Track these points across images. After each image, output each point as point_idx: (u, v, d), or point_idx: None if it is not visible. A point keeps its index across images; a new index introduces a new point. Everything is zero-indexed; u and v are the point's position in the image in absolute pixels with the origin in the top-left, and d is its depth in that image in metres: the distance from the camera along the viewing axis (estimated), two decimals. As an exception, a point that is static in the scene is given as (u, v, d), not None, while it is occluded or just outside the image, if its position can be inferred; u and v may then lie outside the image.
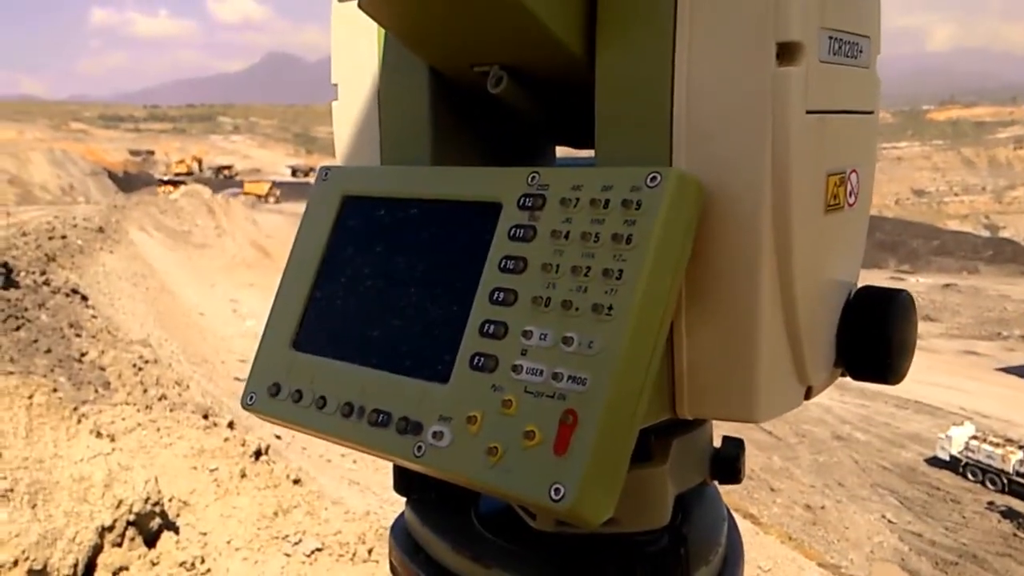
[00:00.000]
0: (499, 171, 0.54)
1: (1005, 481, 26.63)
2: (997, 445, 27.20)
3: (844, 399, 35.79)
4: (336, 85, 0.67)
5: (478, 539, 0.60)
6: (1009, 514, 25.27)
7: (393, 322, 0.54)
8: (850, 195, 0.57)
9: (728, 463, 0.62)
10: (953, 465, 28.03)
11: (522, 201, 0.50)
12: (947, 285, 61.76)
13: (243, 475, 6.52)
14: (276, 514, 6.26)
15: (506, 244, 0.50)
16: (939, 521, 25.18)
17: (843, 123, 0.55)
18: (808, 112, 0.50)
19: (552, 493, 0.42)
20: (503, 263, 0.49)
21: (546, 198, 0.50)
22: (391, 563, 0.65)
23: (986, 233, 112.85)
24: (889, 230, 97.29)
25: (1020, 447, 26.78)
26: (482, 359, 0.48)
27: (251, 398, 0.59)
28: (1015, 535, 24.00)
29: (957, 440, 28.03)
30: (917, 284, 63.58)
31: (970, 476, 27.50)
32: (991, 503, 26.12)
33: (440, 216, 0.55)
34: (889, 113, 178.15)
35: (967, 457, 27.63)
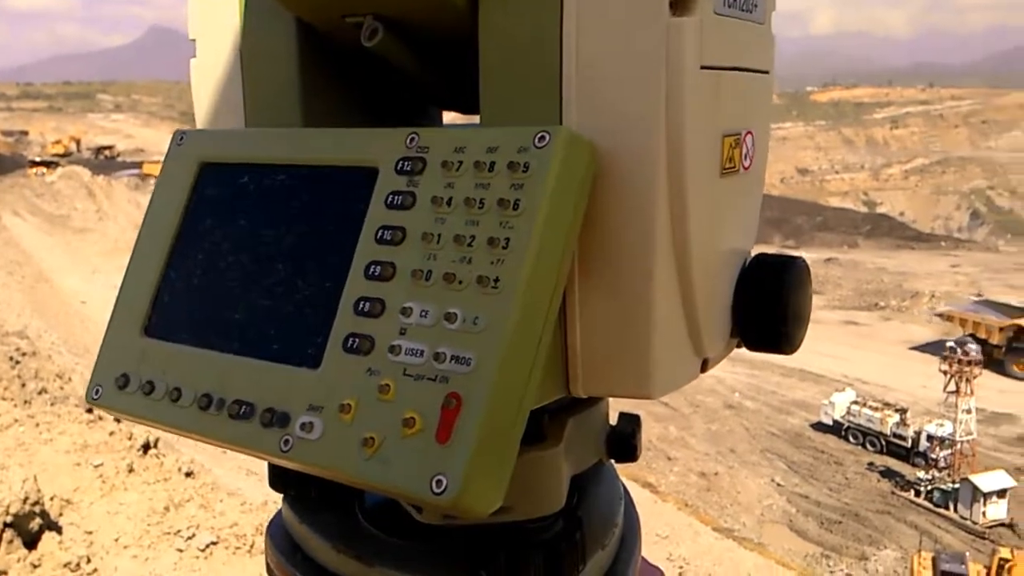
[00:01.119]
0: (375, 132, 0.50)
1: (883, 443, 28.17)
2: (876, 409, 28.77)
3: (735, 369, 37.23)
4: (194, 41, 0.61)
5: (361, 536, 0.56)
6: (887, 474, 26.91)
7: (258, 302, 0.49)
8: (745, 158, 0.54)
9: (624, 440, 0.60)
10: (836, 429, 29.51)
11: (400, 165, 0.46)
12: (829, 259, 64.92)
13: (131, 470, 6.25)
14: (167, 509, 6.04)
15: (383, 213, 0.46)
16: (824, 483, 26.60)
17: (739, 81, 0.52)
18: (703, 67, 0.47)
19: (434, 485, 0.39)
20: (380, 234, 0.46)
21: (426, 161, 0.46)
22: (267, 564, 0.60)
23: (865, 209, 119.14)
24: (775, 207, 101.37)
25: (897, 410, 28.42)
26: (356, 340, 0.44)
27: (96, 391, 0.53)
28: (893, 493, 25.60)
29: (839, 406, 29.58)
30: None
31: (852, 439, 29.03)
32: (871, 464, 27.72)
33: (310, 183, 0.50)
34: (775, 95, 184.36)
35: (848, 421, 29.15)
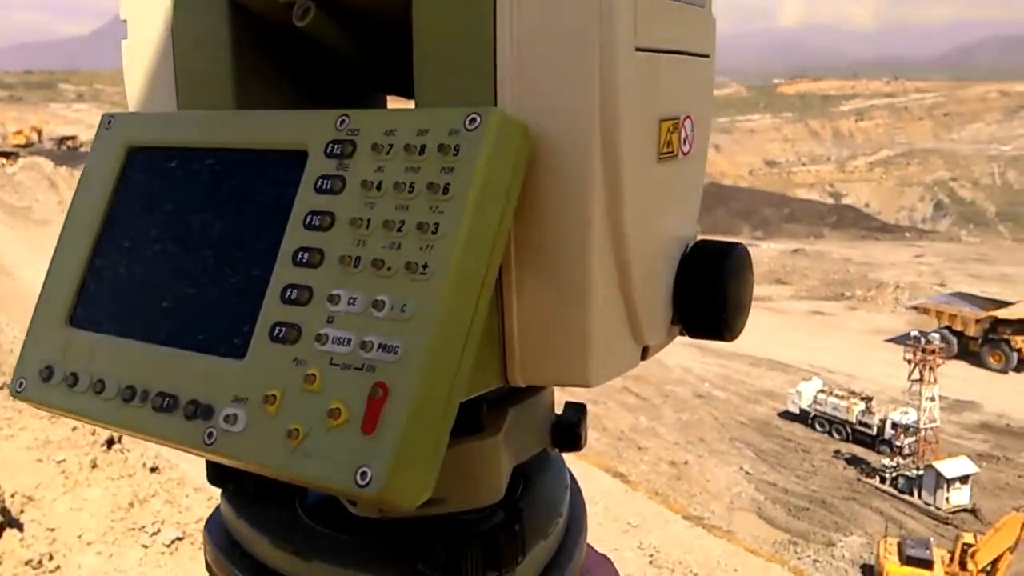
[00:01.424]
0: (305, 114, 0.48)
1: (849, 431, 28.57)
2: (842, 397, 29.18)
3: (704, 359, 37.57)
4: (125, 22, 0.59)
5: (299, 530, 0.55)
6: (853, 461, 27.34)
7: (185, 291, 0.48)
8: (684, 143, 0.53)
9: (569, 429, 0.59)
10: (803, 418, 29.89)
11: (330, 148, 0.45)
12: (796, 250, 65.69)
13: (94, 465, 6.13)
14: (132, 504, 5.93)
15: (312, 197, 0.45)
16: (791, 470, 26.96)
17: (677, 65, 0.52)
18: (638, 50, 0.46)
19: (358, 477, 0.38)
20: (308, 219, 0.44)
21: (356, 145, 0.45)
22: (206, 561, 0.59)
23: (831, 200, 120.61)
24: (743, 199, 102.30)
25: (862, 398, 28.86)
26: (283, 329, 0.43)
27: (20, 384, 0.51)
28: (859, 480, 26.02)
29: (806, 394, 29.96)
30: (769, 250, 67.25)
31: (818, 427, 29.43)
32: (837, 451, 28.13)
33: (239, 167, 0.49)
34: (743, 87, 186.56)
35: (815, 410, 29.54)
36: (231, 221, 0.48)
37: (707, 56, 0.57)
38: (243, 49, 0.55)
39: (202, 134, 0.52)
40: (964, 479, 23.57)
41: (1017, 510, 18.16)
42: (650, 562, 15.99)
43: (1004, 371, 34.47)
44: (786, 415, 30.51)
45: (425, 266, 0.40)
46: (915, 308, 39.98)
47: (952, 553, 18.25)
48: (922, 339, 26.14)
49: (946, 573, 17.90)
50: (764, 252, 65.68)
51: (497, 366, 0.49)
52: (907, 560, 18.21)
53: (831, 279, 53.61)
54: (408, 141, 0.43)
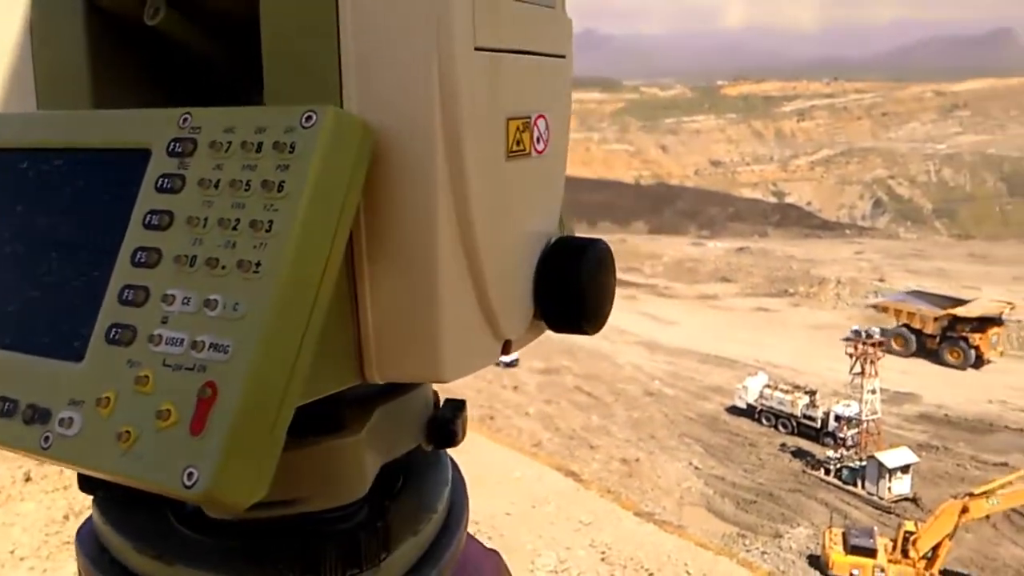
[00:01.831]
0: (150, 113, 0.48)
1: (794, 424, 29.11)
2: (786, 392, 29.77)
3: (654, 357, 38.02)
4: None
5: (163, 535, 0.55)
6: (798, 454, 27.90)
7: (31, 294, 0.47)
8: (537, 141, 0.54)
9: (444, 426, 0.60)
10: (750, 412, 30.39)
11: (171, 147, 0.45)
12: (741, 248, 66.83)
13: (27, 479, 5.96)
14: (67, 517, 5.77)
15: (152, 197, 0.44)
16: (739, 464, 27.41)
17: (524, 65, 0.53)
18: (478, 49, 0.47)
19: (185, 478, 0.37)
20: (147, 219, 0.44)
21: (196, 143, 0.44)
22: (78, 569, 0.59)
23: (774, 199, 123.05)
24: (689, 199, 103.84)
25: (806, 392, 29.47)
26: (119, 331, 0.42)
27: None
28: (804, 472, 26.56)
29: (752, 389, 30.50)
30: (715, 248, 68.34)
31: (764, 421, 29.94)
32: (783, 445, 28.67)
33: (87, 167, 0.48)
34: (687, 88, 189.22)
35: (761, 404, 30.07)
36: (77, 222, 0.47)
37: (562, 56, 0.58)
38: (100, 48, 0.54)
39: (54, 134, 0.51)
40: (905, 469, 24.23)
41: (955, 497, 18.72)
42: (602, 559, 16.12)
43: (962, 368, 35.04)
44: (734, 410, 30.98)
45: (258, 264, 0.40)
46: (874, 307, 40.43)
47: (894, 541, 18.73)
48: (862, 333, 26.73)
49: (889, 561, 18.37)
50: (710, 251, 66.73)
51: (352, 364, 0.49)
52: (852, 549, 18.65)
53: (775, 276, 54.68)
54: (246, 139, 0.43)
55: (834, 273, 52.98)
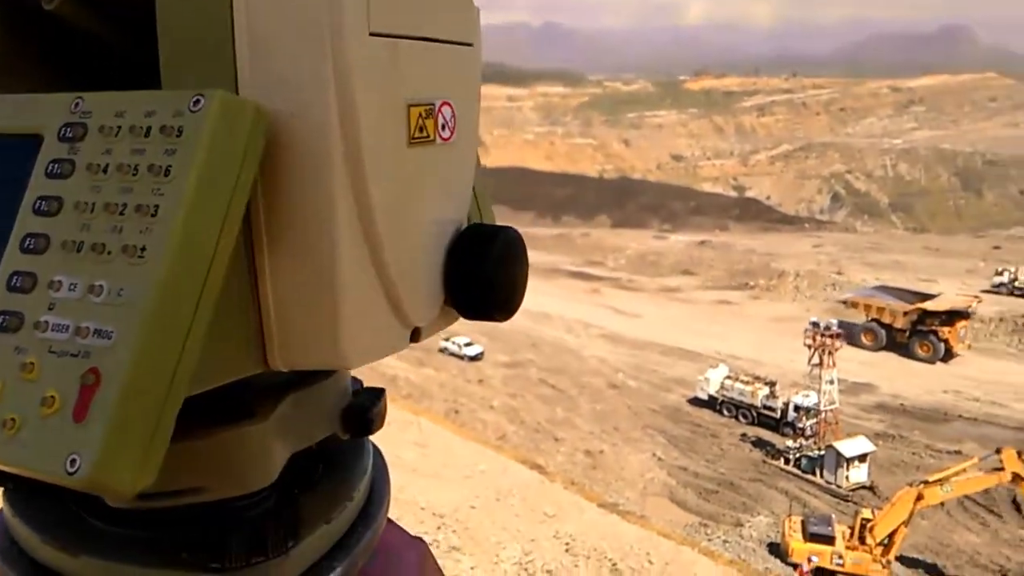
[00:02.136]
0: (43, 98, 0.47)
1: (754, 414, 29.54)
2: (747, 383, 30.19)
3: (618, 350, 38.29)
4: None
5: (70, 525, 0.54)
6: (759, 443, 28.31)
7: None
8: (443, 129, 0.54)
9: (360, 414, 0.59)
10: (711, 403, 30.74)
11: (63, 132, 0.44)
12: (702, 242, 67.51)
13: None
14: None
15: (43, 183, 0.44)
16: (701, 455, 27.75)
17: (425, 51, 0.52)
18: (373, 34, 0.47)
19: (68, 465, 0.37)
20: (37, 205, 0.43)
21: (87, 127, 0.44)
22: None
23: (735, 194, 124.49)
24: (652, 193, 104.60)
25: (766, 383, 29.89)
26: (6, 318, 0.42)
27: None
28: (764, 462, 26.96)
29: (714, 381, 30.86)
30: (676, 242, 68.94)
31: (725, 412, 30.33)
32: (744, 435, 29.08)
33: None
34: (650, 83, 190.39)
35: (722, 395, 30.45)
36: None
37: (469, 44, 0.58)
38: (2, 33, 0.54)
39: None
40: (862, 458, 24.73)
41: (911, 485, 19.17)
42: (566, 550, 16.24)
43: (932, 361, 35.40)
44: (695, 401, 31.30)
45: (143, 249, 0.39)
46: (843, 302, 40.49)
47: (852, 528, 19.11)
48: (821, 325, 27.18)
49: (847, 547, 18.74)
50: (672, 244, 67.30)
51: (254, 351, 0.49)
52: (810, 537, 19.00)
53: (735, 269, 55.33)
54: (135, 123, 0.43)
55: (793, 266, 53.76)
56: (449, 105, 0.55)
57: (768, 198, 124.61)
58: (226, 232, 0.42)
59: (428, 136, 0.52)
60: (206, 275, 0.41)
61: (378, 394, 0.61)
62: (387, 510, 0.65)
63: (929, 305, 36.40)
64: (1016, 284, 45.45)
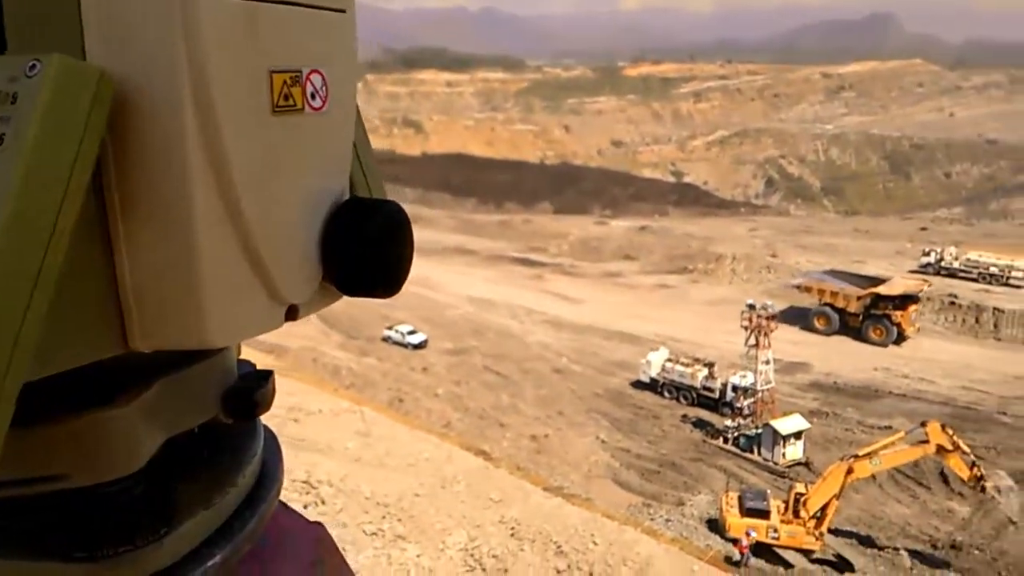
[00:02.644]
0: None
1: (695, 395, 30.20)
2: (687, 365, 30.81)
3: (561, 335, 38.60)
4: None
5: None
6: (699, 424, 28.91)
7: None
8: (313, 97, 0.52)
9: (243, 397, 0.57)
10: (653, 386, 31.36)
11: None
12: (643, 227, 68.31)
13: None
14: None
15: None
16: (643, 436, 28.22)
17: (290, 16, 0.50)
18: None
19: None
20: None
21: None
22: None
23: (673, 179, 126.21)
24: (593, 179, 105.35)
25: (705, 365, 30.56)
26: None
27: None
28: (704, 442, 27.55)
29: (655, 363, 31.40)
30: (617, 227, 69.69)
31: (667, 394, 30.93)
32: (685, 416, 29.66)
33: None
34: (589, 69, 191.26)
35: (663, 378, 31.05)
36: None
37: (341, 11, 0.56)
38: None
39: None
40: (798, 435, 25.46)
41: (842, 460, 19.80)
42: (511, 535, 16.36)
43: (884, 344, 36.11)
44: (638, 384, 31.87)
45: None
46: (797, 287, 40.84)
47: (786, 503, 19.67)
48: (756, 306, 27.79)
49: (781, 521, 19.30)
50: (613, 229, 67.98)
51: (112, 332, 0.46)
52: (747, 512, 19.50)
53: (675, 254, 56.19)
54: None
55: (730, 250, 54.79)
56: (319, 73, 0.53)
57: (705, 183, 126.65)
58: (67, 206, 0.40)
59: (295, 105, 0.50)
60: (44, 251, 0.39)
61: (264, 376, 0.59)
62: (278, 494, 0.63)
63: (882, 289, 37.03)
64: (942, 264, 47.13)
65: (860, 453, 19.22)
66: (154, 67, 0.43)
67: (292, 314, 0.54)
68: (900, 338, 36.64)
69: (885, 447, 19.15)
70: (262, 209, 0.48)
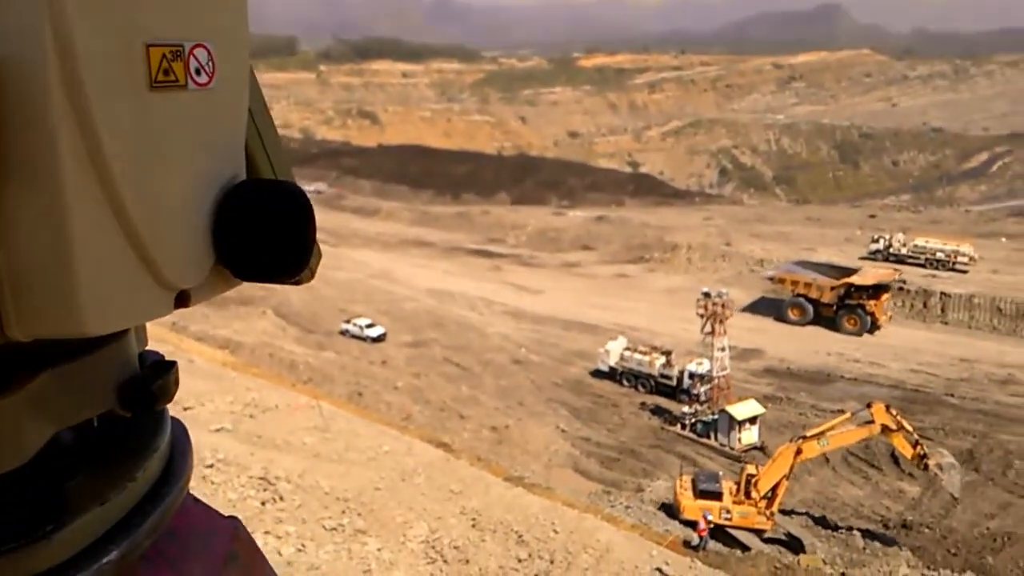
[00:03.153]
0: None
1: (652, 383, 30.57)
2: (645, 353, 31.14)
3: (520, 326, 38.68)
4: None
5: None
6: (657, 411, 29.23)
7: None
8: (197, 73, 0.50)
9: (140, 389, 0.55)
10: (611, 375, 31.66)
11: None
12: (600, 217, 68.71)
13: None
14: None
15: None
16: (603, 425, 28.47)
17: None
18: None
19: None
20: None
21: None
22: None
23: (629, 169, 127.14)
24: (550, 169, 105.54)
25: (662, 353, 30.89)
26: None
27: None
28: (662, 428, 27.86)
29: (613, 352, 31.70)
30: (575, 217, 70.02)
31: (625, 382, 31.26)
32: (643, 403, 29.97)
33: None
34: (544, 60, 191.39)
35: (622, 366, 31.37)
36: None
37: None
38: None
39: None
40: (753, 420, 25.91)
41: (792, 441, 20.20)
42: (473, 525, 16.37)
43: (859, 334, 36.42)
44: (597, 373, 32.13)
45: None
46: (771, 279, 40.99)
47: (738, 484, 20.01)
48: (712, 295, 28.14)
49: (734, 502, 19.63)
50: (571, 220, 68.27)
51: None
52: (700, 494, 19.78)
53: (632, 243, 56.66)
54: None
55: (685, 239, 55.40)
56: (204, 48, 0.51)
57: (661, 173, 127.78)
58: None
59: (177, 80, 0.48)
60: None
61: (166, 367, 0.57)
62: (185, 488, 0.61)
63: (856, 279, 37.42)
64: (891, 251, 48.27)
65: (808, 434, 19.63)
66: (20, 40, 0.41)
67: (183, 300, 0.52)
68: (873, 327, 37.01)
69: (832, 428, 19.58)
70: (142, 189, 0.46)
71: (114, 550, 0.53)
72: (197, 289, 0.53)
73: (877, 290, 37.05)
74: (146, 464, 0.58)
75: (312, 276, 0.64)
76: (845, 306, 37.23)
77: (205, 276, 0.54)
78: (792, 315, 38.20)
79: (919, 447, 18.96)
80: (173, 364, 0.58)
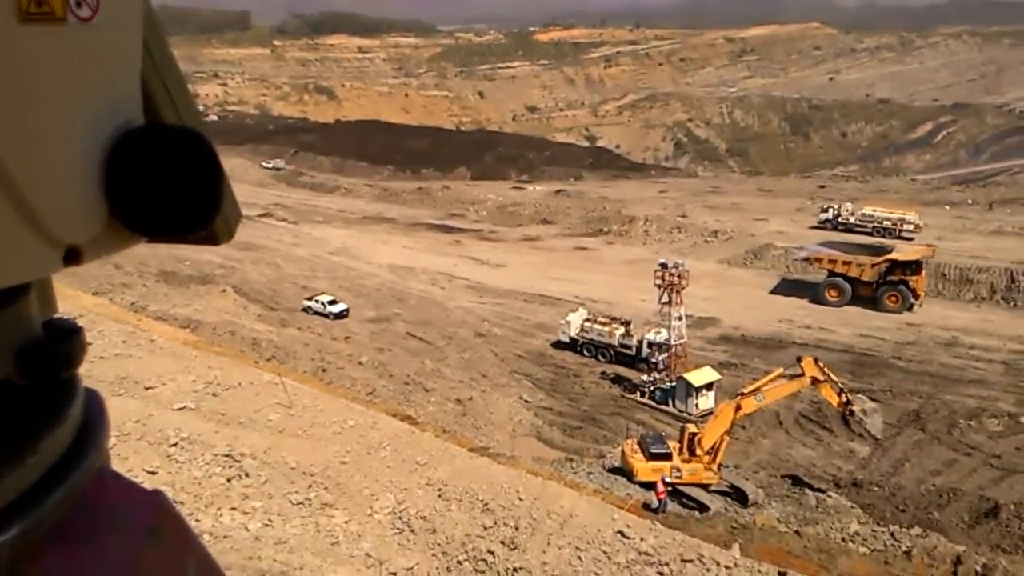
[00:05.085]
0: None
1: (612, 353, 31.24)
2: (604, 324, 31.72)
3: (483, 299, 38.97)
4: None
5: None
6: (617, 380, 29.83)
7: None
8: (77, 6, 0.46)
9: (39, 356, 0.51)
10: (572, 346, 32.25)
11: None
12: (559, 191, 69.03)
13: None
14: None
15: None
16: (565, 394, 28.98)
17: None
18: None
19: None
20: None
21: None
22: None
23: (587, 143, 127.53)
24: (509, 144, 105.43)
25: (622, 323, 31.47)
26: None
27: None
28: (623, 396, 28.46)
29: (574, 324, 32.21)
30: (534, 191, 70.26)
31: (586, 353, 31.87)
32: (603, 373, 30.60)
33: None
34: (501, 34, 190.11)
35: (582, 337, 31.94)
36: None
37: None
38: None
39: None
40: (709, 386, 26.64)
41: (731, 399, 20.93)
42: (439, 496, 16.69)
43: (899, 311, 35.63)
44: (558, 344, 32.68)
45: None
46: (806, 260, 39.73)
47: (680, 443, 20.62)
48: (669, 265, 28.67)
49: (682, 461, 20.27)
50: (531, 194, 68.50)
51: None
52: (652, 456, 20.35)
53: (591, 216, 57.12)
54: None
55: (643, 211, 56.01)
56: None
57: (617, 147, 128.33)
58: None
59: (53, 13, 0.44)
60: None
61: (69, 331, 0.54)
62: (97, 463, 0.58)
63: (897, 255, 36.69)
64: (840, 220, 49.45)
65: (746, 391, 20.37)
66: None
67: (74, 257, 0.48)
68: (912, 304, 36.09)
69: (767, 383, 20.32)
70: (16, 134, 0.42)
71: (14, 527, 0.48)
72: (90, 245, 0.49)
73: (918, 266, 36.31)
74: (51, 436, 0.53)
75: (231, 236, 0.61)
76: (887, 283, 36.25)
77: (98, 231, 0.50)
78: (830, 296, 37.38)
79: (843, 395, 20.00)
80: (78, 330, 0.55)
